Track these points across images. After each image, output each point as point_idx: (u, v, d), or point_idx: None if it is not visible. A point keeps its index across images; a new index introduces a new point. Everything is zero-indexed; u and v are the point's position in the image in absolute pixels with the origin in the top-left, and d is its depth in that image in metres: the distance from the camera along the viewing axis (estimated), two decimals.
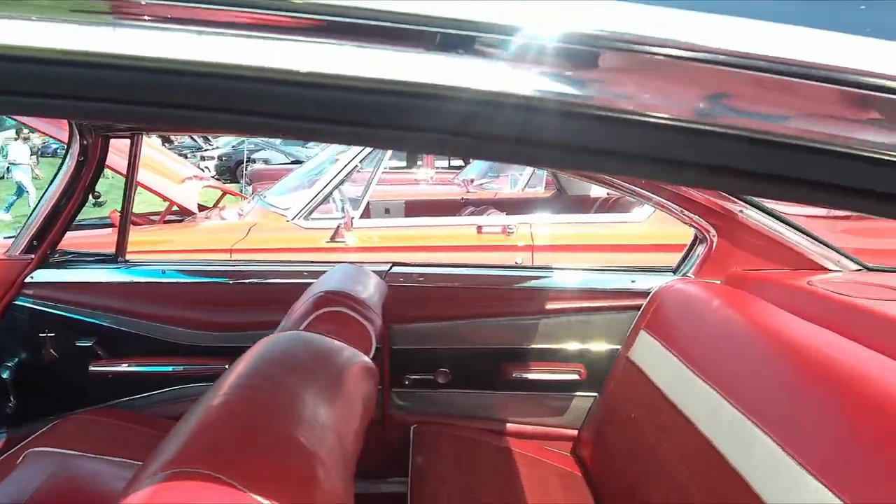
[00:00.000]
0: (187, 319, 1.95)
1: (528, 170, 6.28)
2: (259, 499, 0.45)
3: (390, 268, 2.00)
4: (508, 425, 2.01)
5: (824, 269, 1.81)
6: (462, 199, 5.49)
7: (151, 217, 4.32)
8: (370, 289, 1.58)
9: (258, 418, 0.56)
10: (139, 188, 3.77)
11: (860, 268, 1.83)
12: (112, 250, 2.08)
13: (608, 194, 4.59)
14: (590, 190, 5.12)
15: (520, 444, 1.92)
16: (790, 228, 1.81)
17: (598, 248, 3.38)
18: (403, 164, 10.96)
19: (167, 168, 4.32)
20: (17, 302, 1.93)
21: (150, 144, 4.54)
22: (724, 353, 1.43)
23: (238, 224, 3.67)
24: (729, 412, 1.25)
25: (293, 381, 0.65)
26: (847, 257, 1.84)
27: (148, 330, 1.97)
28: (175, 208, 4.23)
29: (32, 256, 1.93)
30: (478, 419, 2.01)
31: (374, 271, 1.88)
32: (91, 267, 2.02)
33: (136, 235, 2.53)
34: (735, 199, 1.79)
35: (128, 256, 2.11)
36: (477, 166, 7.77)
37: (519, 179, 6.54)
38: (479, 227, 3.50)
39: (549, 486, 1.72)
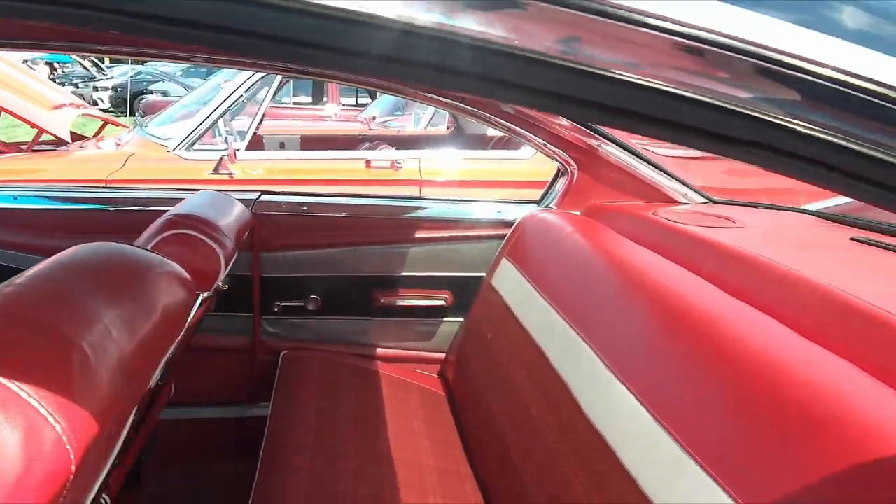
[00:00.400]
0: (39, 247, 1.88)
1: (431, 109, 6.26)
2: (2, 380, 0.46)
3: (259, 196, 1.98)
4: (378, 350, 2.07)
5: (674, 202, 1.94)
6: (360, 134, 5.43)
7: (21, 146, 4.04)
8: (229, 215, 1.57)
9: (23, 306, 0.57)
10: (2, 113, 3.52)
11: (706, 201, 1.97)
12: None
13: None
14: (487, 129, 5.18)
15: (388, 368, 1.99)
16: (645, 163, 1.92)
17: (483, 184, 3.45)
18: (310, 99, 10.68)
19: (35, 92, 4.02)
20: None
21: (13, 64, 4.18)
22: (573, 281, 1.52)
23: (115, 154, 3.50)
24: (572, 339, 1.33)
25: (75, 279, 0.65)
26: (695, 191, 1.97)
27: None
28: (48, 137, 3.97)
29: None
30: (348, 345, 2.06)
31: (242, 199, 1.86)
32: None
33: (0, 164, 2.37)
34: (595, 135, 1.87)
35: None
36: (381, 104, 7.67)
37: (422, 118, 6.52)
38: (368, 162, 3.49)
39: (409, 404, 1.80)
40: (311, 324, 2.04)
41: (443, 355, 2.07)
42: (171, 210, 1.40)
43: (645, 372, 1.07)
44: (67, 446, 0.46)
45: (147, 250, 0.91)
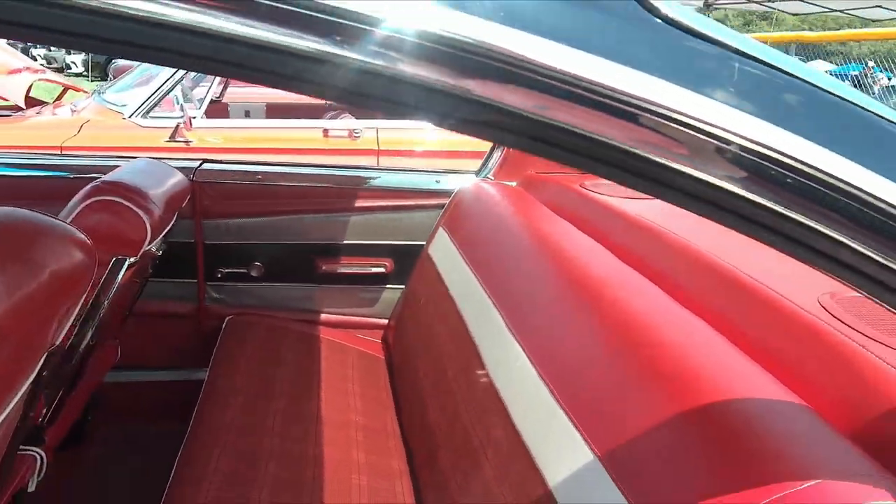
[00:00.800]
0: None
1: None
2: None
3: (200, 164, 2.01)
4: (322, 316, 2.13)
5: None
6: (326, 104, 5.41)
7: None
8: (162, 184, 1.60)
9: None
10: None
11: None
12: None
13: None
14: None
15: (331, 333, 2.06)
16: None
17: (441, 154, 3.49)
18: None
19: None
20: None
21: None
22: (494, 251, 1.59)
23: (71, 120, 3.49)
24: (486, 304, 1.39)
25: None
26: None
27: None
28: (4, 103, 3.93)
29: None
30: (293, 311, 2.11)
31: (183, 168, 1.89)
32: None
33: None
34: None
35: None
36: None
37: None
38: (326, 131, 3.52)
39: (346, 367, 1.87)
40: (255, 290, 2.09)
41: (385, 321, 2.14)
42: (102, 178, 1.44)
43: (537, 332, 1.15)
44: None
45: (60, 220, 0.94)
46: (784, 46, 9.18)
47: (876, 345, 0.86)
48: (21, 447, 1.29)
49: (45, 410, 1.41)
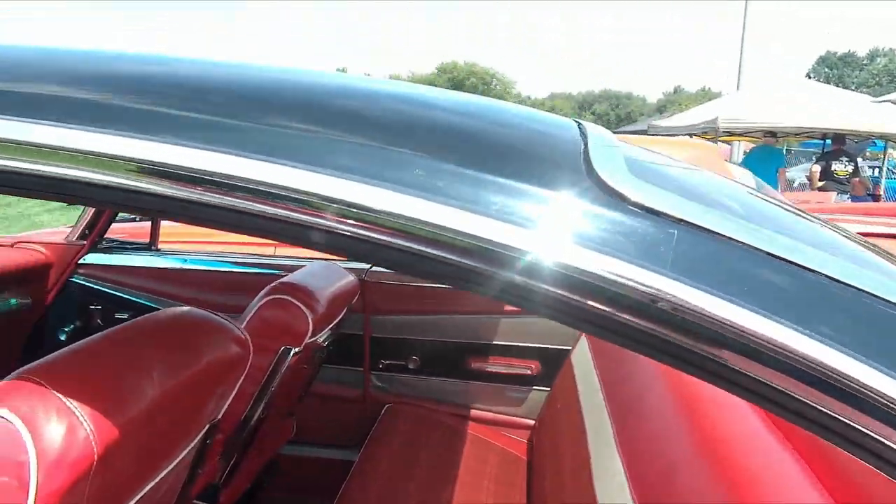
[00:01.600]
0: (203, 301, 2.32)
1: None
2: (59, 395, 0.73)
3: (370, 267, 2.28)
4: (472, 411, 2.25)
5: None
6: None
7: None
8: (332, 284, 1.87)
9: (98, 343, 0.86)
10: None
11: None
12: (147, 240, 2.48)
13: None
14: None
15: (477, 428, 2.16)
16: None
17: None
18: None
19: None
20: (72, 279, 2.36)
21: None
22: (629, 372, 1.60)
23: None
24: (606, 426, 1.40)
25: (144, 332, 0.94)
26: None
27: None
28: None
29: (85, 242, 2.35)
30: (446, 403, 2.26)
31: (354, 269, 2.17)
32: (130, 253, 2.43)
33: (170, 228, 2.89)
34: None
35: (160, 246, 2.51)
36: None
37: None
38: None
39: (485, 463, 1.95)
40: (412, 381, 2.27)
41: (532, 422, 2.19)
42: (282, 279, 1.73)
43: (638, 443, 1.17)
44: (93, 443, 0.72)
45: (227, 319, 1.16)
46: None
47: None
48: (196, 501, 1.54)
49: (221, 473, 1.67)
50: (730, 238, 0.55)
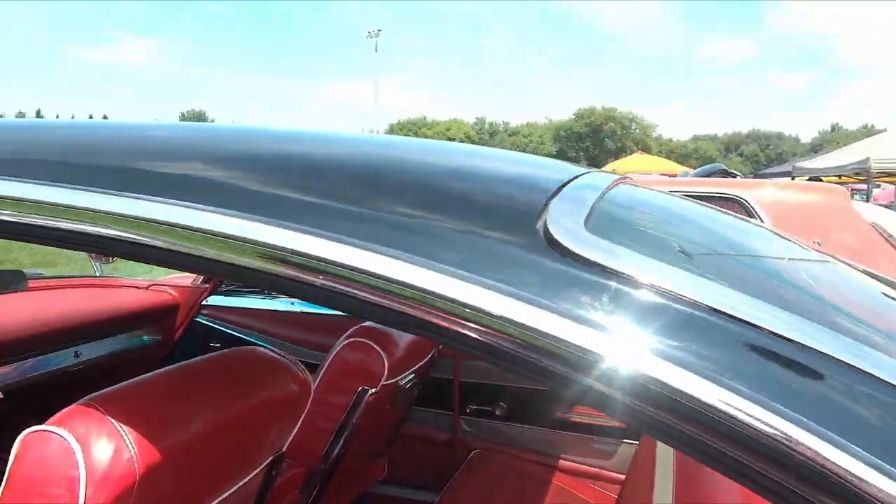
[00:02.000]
0: (307, 341, 2.48)
1: None
2: (113, 421, 0.84)
3: None
4: (561, 462, 2.21)
5: None
6: None
7: None
8: None
9: (165, 375, 0.97)
10: None
11: None
12: None
13: None
14: None
15: (564, 479, 2.12)
16: None
17: None
18: None
19: None
20: (196, 319, 2.61)
21: None
22: None
23: None
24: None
25: (211, 367, 1.04)
26: None
27: (281, 347, 2.53)
28: None
29: (208, 286, 2.60)
30: (535, 452, 2.24)
31: None
32: (247, 296, 2.66)
33: None
34: None
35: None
36: None
37: None
38: None
39: None
40: (499, 427, 2.28)
41: (624, 476, 2.12)
42: (364, 322, 1.82)
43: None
44: (135, 464, 0.82)
45: (290, 358, 1.24)
46: None
47: None
48: None
49: None
50: (678, 295, 0.55)
